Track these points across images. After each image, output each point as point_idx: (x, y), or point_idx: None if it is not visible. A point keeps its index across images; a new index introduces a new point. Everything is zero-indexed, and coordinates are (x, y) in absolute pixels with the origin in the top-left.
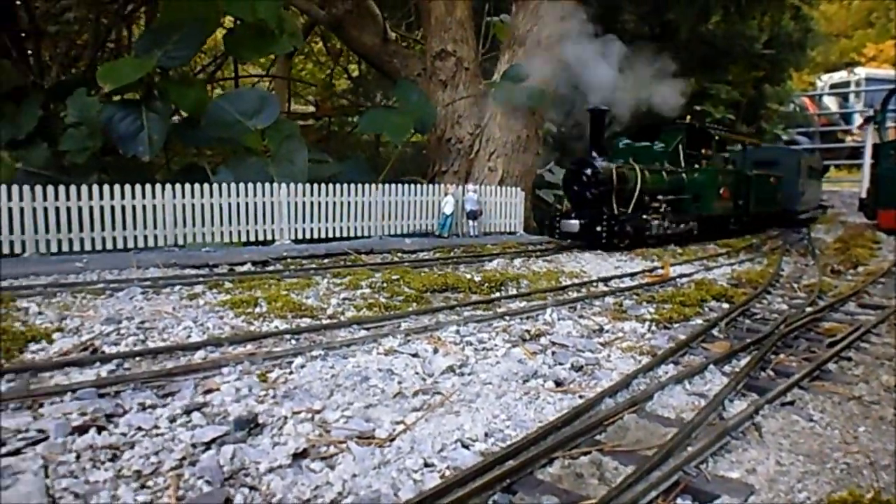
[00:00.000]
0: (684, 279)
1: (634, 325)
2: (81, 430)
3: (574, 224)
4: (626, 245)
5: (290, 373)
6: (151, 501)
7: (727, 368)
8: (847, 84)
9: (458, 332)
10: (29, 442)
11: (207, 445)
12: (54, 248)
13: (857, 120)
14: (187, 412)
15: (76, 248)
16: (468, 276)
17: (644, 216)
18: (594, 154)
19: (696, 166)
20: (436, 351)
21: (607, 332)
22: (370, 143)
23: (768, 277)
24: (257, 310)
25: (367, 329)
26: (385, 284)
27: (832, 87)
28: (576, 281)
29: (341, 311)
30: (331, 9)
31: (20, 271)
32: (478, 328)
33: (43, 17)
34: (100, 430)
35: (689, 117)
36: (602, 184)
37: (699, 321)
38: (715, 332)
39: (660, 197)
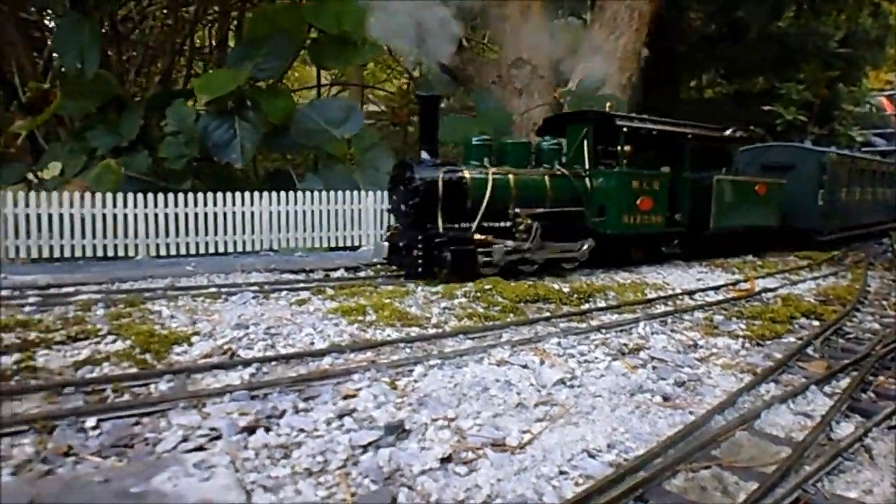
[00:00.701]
0: (770, 294)
1: (727, 342)
2: (250, 430)
3: (384, 247)
4: (445, 277)
5: (415, 381)
6: (330, 496)
7: (827, 389)
8: None
9: (559, 344)
10: (209, 438)
11: (364, 448)
12: (163, 252)
13: None
14: (339, 416)
15: (182, 251)
16: (556, 287)
17: (483, 236)
18: (423, 154)
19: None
20: (542, 362)
21: (701, 347)
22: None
23: (856, 294)
24: (367, 318)
25: (472, 339)
26: (479, 294)
27: None
28: (661, 294)
29: (444, 321)
30: None
31: (138, 274)
32: (577, 340)
33: (122, 22)
34: (266, 430)
35: (749, 127)
36: (421, 193)
37: (791, 339)
38: (810, 350)
39: (538, 210)
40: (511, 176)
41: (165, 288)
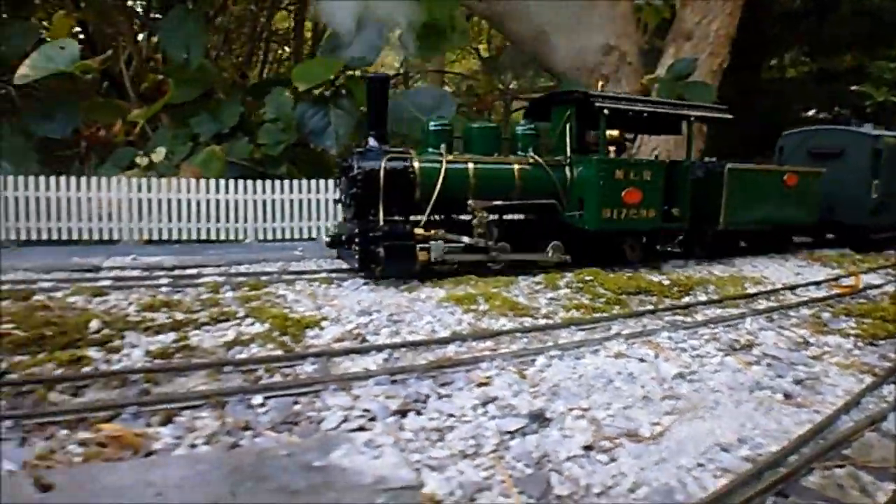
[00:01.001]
0: (875, 291)
1: (839, 340)
2: (401, 412)
3: (328, 240)
4: (381, 273)
5: (540, 371)
6: (489, 477)
7: None
8: None
9: (670, 338)
10: (367, 419)
11: (512, 434)
12: (269, 236)
13: None
14: (483, 404)
15: (287, 235)
16: (656, 280)
17: (427, 231)
18: (371, 141)
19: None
20: (656, 356)
21: (813, 345)
22: None
23: None
24: (480, 307)
25: (584, 330)
26: (581, 285)
27: None
28: (761, 288)
29: (553, 311)
30: (491, 3)
31: (252, 257)
32: (686, 335)
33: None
34: (417, 413)
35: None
36: (359, 184)
37: None
38: None
39: (499, 203)
40: (471, 164)
41: (280, 272)
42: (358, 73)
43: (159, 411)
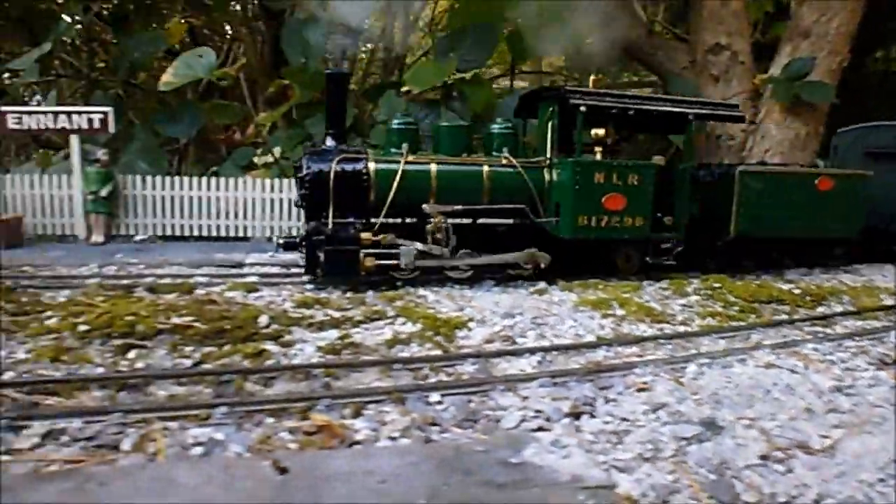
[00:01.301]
0: None
1: None
2: (574, 415)
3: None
4: (322, 276)
5: (694, 379)
6: (675, 481)
7: None
8: None
9: (816, 349)
10: (543, 419)
11: (688, 440)
12: None
13: None
14: (654, 410)
15: None
16: (786, 288)
17: (375, 236)
18: (328, 141)
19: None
20: (806, 367)
21: None
22: None
23: None
24: (617, 312)
25: (724, 338)
26: (710, 292)
27: None
28: None
29: (689, 318)
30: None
31: None
32: (832, 347)
33: None
34: (591, 416)
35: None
36: (308, 186)
37: None
38: None
39: (458, 207)
40: (433, 166)
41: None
42: (467, 75)
43: (349, 404)
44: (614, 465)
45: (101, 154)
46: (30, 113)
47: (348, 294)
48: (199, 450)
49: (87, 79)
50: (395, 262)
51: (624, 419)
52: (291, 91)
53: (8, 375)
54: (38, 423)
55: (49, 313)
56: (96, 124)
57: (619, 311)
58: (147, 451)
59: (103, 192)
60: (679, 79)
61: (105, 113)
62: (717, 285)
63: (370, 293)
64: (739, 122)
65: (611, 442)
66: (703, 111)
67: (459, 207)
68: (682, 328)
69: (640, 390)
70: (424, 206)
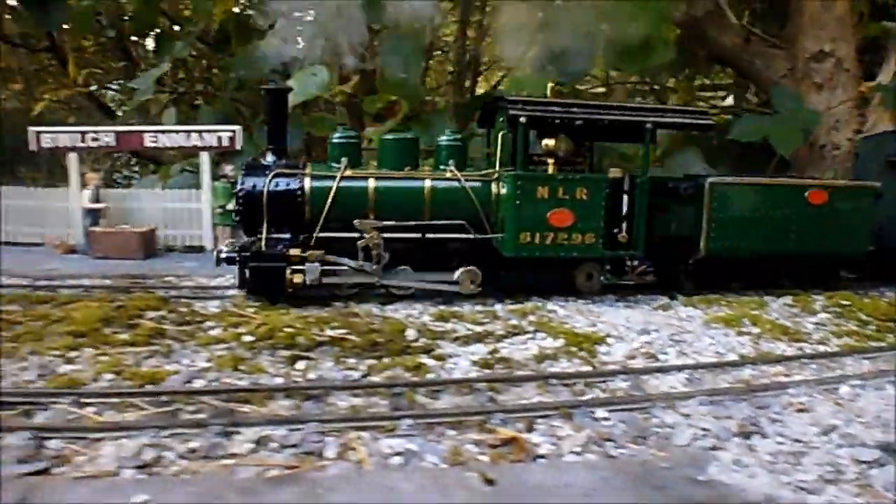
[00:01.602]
0: None
1: None
2: (744, 434)
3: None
4: (248, 293)
5: (851, 400)
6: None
7: None
8: None
9: None
10: (714, 438)
11: (868, 464)
12: None
13: None
14: (825, 432)
15: None
16: None
17: (301, 253)
18: (268, 156)
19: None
20: None
21: None
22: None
23: None
24: (751, 330)
25: (867, 359)
26: (839, 310)
27: None
28: None
29: (825, 338)
30: (689, 9)
31: None
32: None
33: None
34: (762, 436)
35: None
36: (240, 202)
37: None
38: None
39: (391, 223)
40: (371, 181)
41: None
42: (566, 88)
43: (522, 419)
44: (799, 485)
45: (230, 170)
46: (165, 132)
47: (478, 307)
48: (398, 459)
49: (202, 94)
50: (335, 279)
51: (797, 440)
52: (398, 105)
53: (199, 383)
54: (247, 430)
55: (210, 323)
56: (225, 142)
57: (754, 329)
58: (350, 459)
59: (231, 206)
60: (780, 87)
61: (233, 131)
62: (845, 303)
63: (498, 306)
64: (707, 131)
65: (789, 463)
66: (664, 119)
67: (392, 223)
68: (821, 347)
69: (799, 410)
70: (355, 221)
